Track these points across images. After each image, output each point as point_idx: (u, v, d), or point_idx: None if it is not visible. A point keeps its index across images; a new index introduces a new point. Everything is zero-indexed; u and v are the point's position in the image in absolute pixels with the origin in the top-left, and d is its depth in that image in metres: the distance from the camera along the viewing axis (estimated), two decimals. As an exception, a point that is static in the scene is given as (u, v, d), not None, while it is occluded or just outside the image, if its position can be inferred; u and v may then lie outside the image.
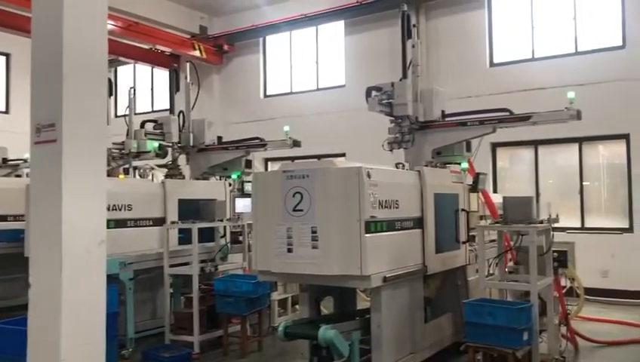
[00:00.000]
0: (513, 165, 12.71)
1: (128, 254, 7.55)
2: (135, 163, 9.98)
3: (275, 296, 8.41)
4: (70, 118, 3.61)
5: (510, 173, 12.68)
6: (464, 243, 6.99)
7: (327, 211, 5.43)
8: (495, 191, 11.83)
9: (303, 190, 5.52)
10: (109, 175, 9.21)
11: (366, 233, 5.39)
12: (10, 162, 11.64)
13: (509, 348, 5.42)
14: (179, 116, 9.44)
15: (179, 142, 9.32)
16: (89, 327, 3.70)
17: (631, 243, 10.65)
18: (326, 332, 5.18)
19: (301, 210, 5.51)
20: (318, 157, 11.87)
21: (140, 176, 10.20)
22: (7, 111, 16.85)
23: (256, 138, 9.31)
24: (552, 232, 6.45)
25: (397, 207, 5.95)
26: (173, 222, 8.06)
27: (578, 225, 11.28)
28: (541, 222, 6.23)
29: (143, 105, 17.98)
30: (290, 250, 5.57)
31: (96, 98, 3.84)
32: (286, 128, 8.95)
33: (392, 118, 7.39)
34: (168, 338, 7.59)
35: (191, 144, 9.43)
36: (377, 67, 12.58)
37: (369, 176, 5.49)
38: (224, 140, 9.79)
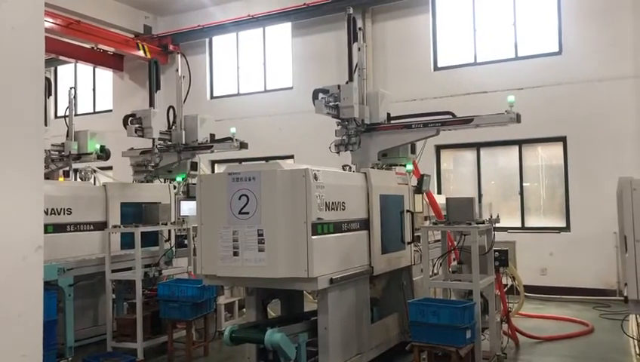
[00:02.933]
0: (457, 167, 13.01)
1: (68, 260, 7.35)
2: (76, 165, 9.68)
3: (222, 299, 8.32)
4: (2, 119, 3.46)
5: (454, 175, 12.98)
6: (409, 243, 7.07)
7: (274, 213, 5.39)
8: (439, 192, 12.07)
9: (249, 192, 5.47)
10: (47, 178, 8.91)
11: (313, 235, 5.38)
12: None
13: (452, 346, 5.53)
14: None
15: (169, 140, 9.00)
16: (25, 338, 3.52)
17: (568, 241, 11.08)
18: (272, 335, 5.15)
19: (247, 213, 5.46)
20: (266, 159, 11.82)
21: (81, 178, 9.88)
22: None
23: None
24: (493, 232, 6.62)
25: (343, 209, 5.97)
26: (115, 226, 7.84)
27: (518, 224, 11.66)
28: (483, 222, 6.39)
29: (84, 106, 17.51)
30: (236, 254, 5.50)
31: (32, 98, 3.68)
32: (233, 130, 8.87)
33: (339, 121, 7.43)
34: (110, 346, 7.38)
35: (183, 142, 9.05)
36: (325, 69, 12.66)
37: (316, 177, 5.49)
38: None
